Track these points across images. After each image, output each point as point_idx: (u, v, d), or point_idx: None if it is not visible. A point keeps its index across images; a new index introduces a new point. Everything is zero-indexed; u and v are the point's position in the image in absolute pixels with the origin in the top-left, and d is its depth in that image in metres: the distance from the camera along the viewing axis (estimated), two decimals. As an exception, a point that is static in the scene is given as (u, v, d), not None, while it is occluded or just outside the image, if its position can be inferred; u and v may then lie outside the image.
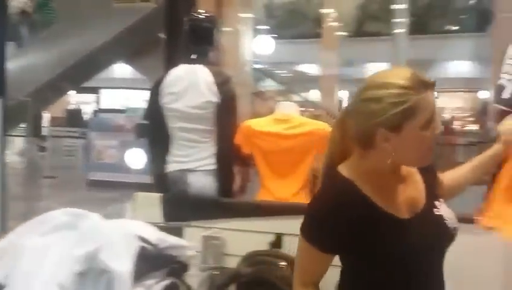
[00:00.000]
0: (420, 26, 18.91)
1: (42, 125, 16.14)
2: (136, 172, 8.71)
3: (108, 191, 8.60)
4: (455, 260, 1.42)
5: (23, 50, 8.48)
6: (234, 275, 2.31)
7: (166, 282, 1.28)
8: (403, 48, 14.33)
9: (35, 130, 12.88)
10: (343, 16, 16.99)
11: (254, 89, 7.55)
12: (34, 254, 1.18)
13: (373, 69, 20.18)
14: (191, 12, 2.97)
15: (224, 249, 2.56)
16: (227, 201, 2.73)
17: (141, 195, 2.83)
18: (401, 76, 1.20)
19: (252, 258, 2.37)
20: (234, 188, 2.92)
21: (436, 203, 1.34)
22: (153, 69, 4.06)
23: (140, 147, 8.34)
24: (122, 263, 1.13)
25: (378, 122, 1.20)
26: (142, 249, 1.21)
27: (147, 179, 3.10)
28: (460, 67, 18.55)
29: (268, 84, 16.09)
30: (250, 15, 7.71)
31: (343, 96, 17.11)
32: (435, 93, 1.25)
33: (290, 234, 2.47)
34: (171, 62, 3.02)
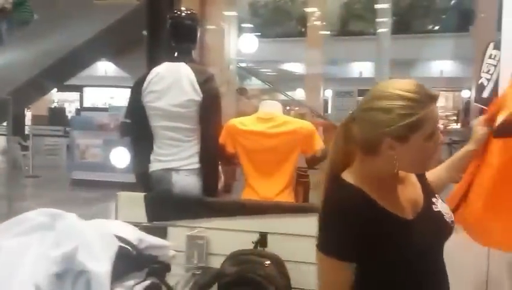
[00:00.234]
0: (403, 25, 19.09)
1: (25, 124, 15.97)
2: (119, 171, 8.64)
3: (91, 191, 8.52)
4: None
5: (3, 48, 8.34)
6: (217, 275, 2.30)
7: (147, 283, 1.27)
8: (386, 47, 14.44)
9: (17, 129, 12.73)
10: (327, 15, 17.07)
11: (238, 87, 7.54)
12: (10, 254, 1.16)
13: (357, 68, 20.31)
14: (173, 9, 2.94)
15: (208, 249, 2.55)
16: (212, 200, 2.72)
17: (124, 195, 2.80)
18: (409, 88, 1.25)
19: (237, 258, 2.37)
20: (219, 187, 2.91)
21: (433, 199, 1.39)
22: (136, 67, 4.03)
23: (124, 146, 8.28)
24: (100, 264, 1.11)
25: (385, 132, 1.24)
26: (121, 249, 1.19)
27: (131, 179, 3.07)
28: (442, 66, 18.76)
29: (253, 83, 16.10)
30: (234, 13, 7.69)
31: (328, 95, 17.19)
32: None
33: (275, 233, 2.48)
34: (153, 60, 3.00)
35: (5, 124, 7.99)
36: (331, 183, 1.33)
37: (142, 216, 2.68)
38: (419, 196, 1.38)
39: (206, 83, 2.71)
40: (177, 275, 2.10)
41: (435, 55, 17.62)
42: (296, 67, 19.79)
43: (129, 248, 1.23)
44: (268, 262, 2.31)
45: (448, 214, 1.37)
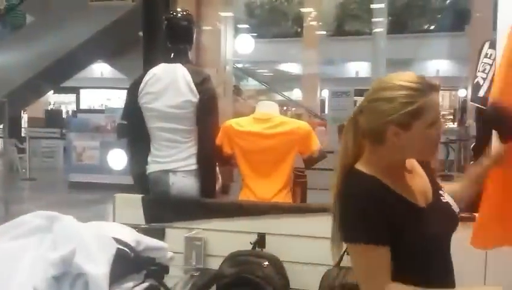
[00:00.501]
0: (399, 25, 19.12)
1: (21, 126, 15.92)
2: (116, 173, 8.63)
3: (89, 193, 8.50)
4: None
5: (-2, 50, 8.33)
6: (215, 276, 2.30)
7: (145, 285, 1.27)
8: (382, 47, 14.46)
9: (13, 132, 12.69)
10: (323, 15, 17.08)
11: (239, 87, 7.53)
12: (7, 257, 1.15)
13: (353, 68, 20.27)
14: (169, 10, 2.94)
15: (206, 250, 2.55)
16: (209, 201, 2.71)
17: (121, 196, 2.80)
18: (410, 79, 1.33)
19: (235, 259, 2.37)
20: (216, 189, 2.90)
21: (440, 192, 1.46)
22: (133, 69, 4.02)
23: (121, 147, 8.27)
24: (98, 266, 1.11)
25: (389, 120, 1.31)
26: (119, 251, 1.19)
27: (128, 180, 3.06)
28: (438, 66, 18.78)
29: (250, 83, 16.10)
30: (230, 14, 7.69)
31: (325, 95, 17.20)
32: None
33: (273, 234, 2.48)
34: (149, 61, 3.00)
35: (1, 126, 7.98)
36: (345, 175, 1.38)
37: (139, 218, 2.67)
38: (427, 187, 1.44)
39: (202, 83, 2.71)
40: (175, 277, 2.10)
41: (431, 54, 17.65)
42: (293, 68, 19.80)
43: (127, 250, 1.22)
44: (266, 263, 2.31)
45: (454, 206, 1.44)
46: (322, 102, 17.30)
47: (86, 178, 9.38)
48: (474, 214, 1.90)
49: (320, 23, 16.19)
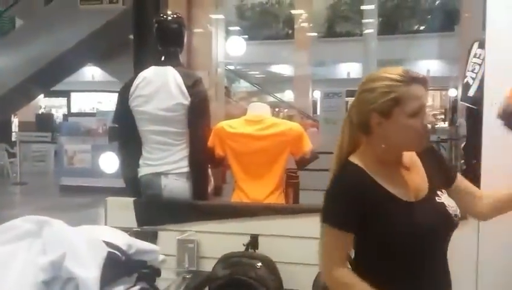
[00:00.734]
0: (389, 26, 19.25)
1: (12, 130, 15.81)
2: (108, 176, 8.59)
3: (80, 197, 8.46)
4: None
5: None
6: (208, 278, 2.30)
7: (137, 288, 1.26)
8: (373, 48, 14.55)
9: (4, 136, 12.60)
10: (313, 16, 17.13)
11: (230, 90, 7.53)
12: (-3, 263, 1.15)
13: (345, 69, 20.33)
14: (159, 13, 2.93)
15: (199, 252, 2.55)
16: (202, 204, 2.71)
17: (113, 200, 2.79)
18: (393, 71, 1.41)
19: (228, 260, 2.37)
20: (209, 191, 2.90)
21: (439, 192, 1.46)
22: (123, 72, 4.01)
23: (112, 151, 8.23)
24: (88, 270, 1.10)
25: (371, 108, 1.40)
26: (110, 254, 1.18)
27: (120, 184, 3.05)
28: (429, 66, 18.90)
29: (242, 85, 16.10)
30: (221, 16, 7.68)
31: (317, 96, 17.24)
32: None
33: (266, 235, 2.48)
34: (140, 64, 2.99)
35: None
36: (340, 165, 1.47)
37: (131, 221, 2.66)
38: (423, 184, 1.46)
39: (193, 86, 2.70)
40: (168, 279, 2.10)
41: (421, 55, 17.77)
42: (284, 69, 19.85)
43: (118, 253, 1.22)
44: (259, 264, 2.31)
45: (452, 208, 1.44)
46: (314, 103, 17.35)
47: (78, 182, 9.33)
48: None
49: (311, 25, 16.23)
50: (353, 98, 1.49)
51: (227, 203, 2.84)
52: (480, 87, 2.37)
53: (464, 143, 2.96)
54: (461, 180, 1.58)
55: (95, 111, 16.60)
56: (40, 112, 20.01)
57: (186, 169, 2.72)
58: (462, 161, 3.18)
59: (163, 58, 2.77)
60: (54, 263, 1.09)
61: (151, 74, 2.74)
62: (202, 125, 2.77)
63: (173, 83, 2.68)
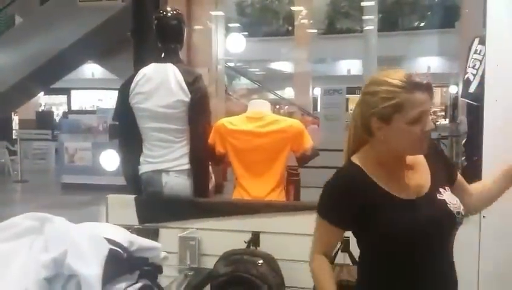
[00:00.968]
0: (389, 23, 19.22)
1: (12, 128, 15.81)
2: (109, 174, 8.60)
3: (81, 194, 8.46)
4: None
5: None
6: (210, 275, 2.30)
7: (139, 285, 1.26)
8: (373, 44, 14.53)
9: (4, 134, 12.60)
10: (314, 13, 17.11)
11: (227, 88, 7.53)
12: (-2, 261, 1.15)
13: (345, 65, 20.30)
14: (159, 10, 2.92)
15: (200, 249, 2.55)
16: (203, 201, 2.71)
17: (114, 197, 2.79)
18: (396, 76, 1.38)
19: (229, 258, 2.36)
20: (210, 188, 2.90)
21: (441, 189, 1.46)
22: (123, 69, 4.00)
23: (113, 148, 8.23)
24: (90, 267, 1.10)
25: (372, 113, 1.40)
26: (112, 252, 1.18)
27: (121, 181, 3.05)
28: (429, 62, 18.88)
29: (242, 82, 16.09)
30: (221, 13, 7.68)
31: (317, 93, 17.25)
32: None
33: (267, 232, 2.48)
34: (140, 61, 2.98)
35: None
36: (344, 162, 1.51)
37: (132, 218, 2.66)
38: (425, 183, 1.46)
39: (194, 83, 2.70)
40: (169, 277, 2.09)
41: (421, 51, 17.76)
42: (285, 66, 19.83)
43: (120, 250, 1.22)
44: (261, 261, 2.31)
45: (455, 205, 1.43)
46: (314, 100, 17.35)
47: (79, 179, 9.33)
48: None
49: (311, 22, 16.22)
50: (353, 95, 1.52)
51: (229, 200, 2.84)
52: (481, 84, 2.38)
53: (465, 140, 2.97)
54: (460, 178, 1.59)
55: (95, 109, 16.60)
56: (40, 110, 20.00)
57: (187, 166, 2.72)
58: (463, 158, 3.19)
59: (163, 55, 2.76)
60: (56, 260, 1.09)
61: (151, 70, 2.73)
62: (203, 122, 2.76)
63: (173, 80, 2.67)
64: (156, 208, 2.70)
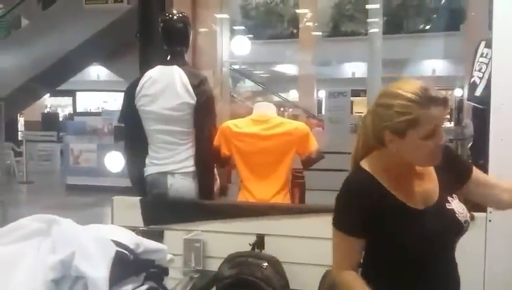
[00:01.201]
0: (394, 25, 19.18)
1: (18, 130, 15.89)
2: (114, 176, 8.62)
3: (86, 196, 8.49)
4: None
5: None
6: (215, 278, 2.30)
7: (145, 287, 1.26)
8: (378, 47, 14.49)
9: (10, 135, 12.66)
10: (318, 16, 17.11)
11: (231, 90, 7.54)
12: (5, 262, 1.15)
13: (349, 68, 20.28)
14: (164, 13, 2.93)
15: (205, 252, 2.55)
16: (208, 203, 2.71)
17: (119, 199, 2.80)
18: (411, 89, 1.35)
19: (234, 260, 2.37)
20: (215, 190, 2.90)
21: (449, 198, 1.46)
22: (129, 71, 4.01)
23: (118, 150, 8.26)
24: (97, 269, 1.10)
25: (385, 126, 1.38)
26: (118, 254, 1.18)
27: (126, 183, 3.06)
28: (434, 65, 18.83)
29: (247, 85, 16.10)
30: (226, 16, 7.68)
31: (322, 95, 17.23)
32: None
33: (272, 235, 2.48)
34: (146, 64, 2.99)
35: (-3, 130, 7.95)
36: (352, 168, 1.50)
37: (138, 220, 2.67)
38: (434, 192, 1.46)
39: (199, 85, 2.70)
40: (174, 279, 2.10)
41: (426, 54, 17.69)
42: (289, 69, 19.82)
43: (126, 252, 1.22)
44: (265, 264, 2.31)
45: (462, 214, 1.43)
46: (319, 103, 17.34)
47: (84, 181, 9.37)
48: None
49: (315, 24, 16.21)
50: (358, 98, 1.50)
51: (234, 202, 2.84)
52: (488, 87, 2.37)
53: (471, 143, 2.95)
54: (476, 172, 1.57)
55: (100, 110, 16.66)
56: (45, 112, 20.09)
57: (192, 168, 2.72)
58: (469, 161, 3.17)
59: (168, 57, 2.77)
60: (63, 262, 1.09)
61: (157, 73, 2.74)
62: (208, 124, 2.77)
63: (179, 82, 2.68)
64: (161, 210, 2.71)
